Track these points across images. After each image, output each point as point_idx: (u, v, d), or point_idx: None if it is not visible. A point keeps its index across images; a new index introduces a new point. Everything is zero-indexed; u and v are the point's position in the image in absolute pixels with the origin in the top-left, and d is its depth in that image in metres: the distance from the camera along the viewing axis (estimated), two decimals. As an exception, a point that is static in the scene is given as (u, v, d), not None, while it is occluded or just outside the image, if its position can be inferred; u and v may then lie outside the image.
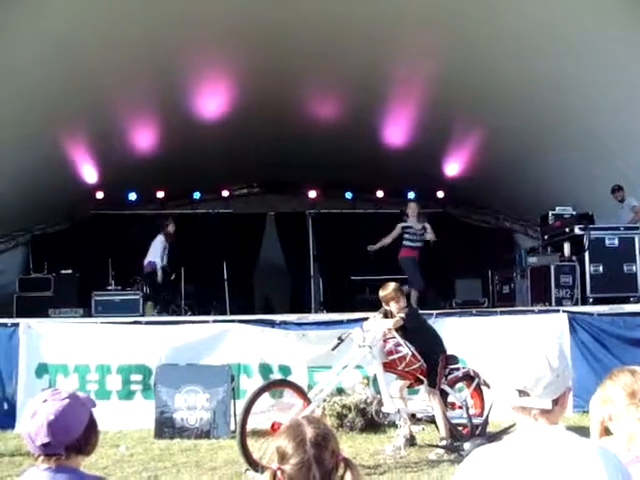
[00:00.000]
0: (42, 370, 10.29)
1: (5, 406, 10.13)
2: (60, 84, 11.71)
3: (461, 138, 14.87)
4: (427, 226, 13.65)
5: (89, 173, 15.63)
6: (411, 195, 18.65)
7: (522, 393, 2.51)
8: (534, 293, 13.75)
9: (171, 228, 14.45)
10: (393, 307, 8.25)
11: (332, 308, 14.52)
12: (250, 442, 7.46)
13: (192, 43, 11.39)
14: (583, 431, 2.79)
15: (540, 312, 11.18)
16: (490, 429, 8.17)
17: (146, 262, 14.27)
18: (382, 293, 8.35)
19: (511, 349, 2.62)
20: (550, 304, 12.56)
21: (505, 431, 7.87)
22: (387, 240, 13.54)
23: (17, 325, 10.45)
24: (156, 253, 14.19)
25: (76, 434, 2.82)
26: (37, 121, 12.41)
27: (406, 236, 13.56)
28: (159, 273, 14.18)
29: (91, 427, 2.90)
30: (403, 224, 13.59)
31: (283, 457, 2.45)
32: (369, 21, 10.95)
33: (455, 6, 10.58)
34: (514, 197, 16.79)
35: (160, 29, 10.90)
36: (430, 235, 13.61)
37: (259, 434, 8.01)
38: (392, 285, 8.41)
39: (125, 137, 14.55)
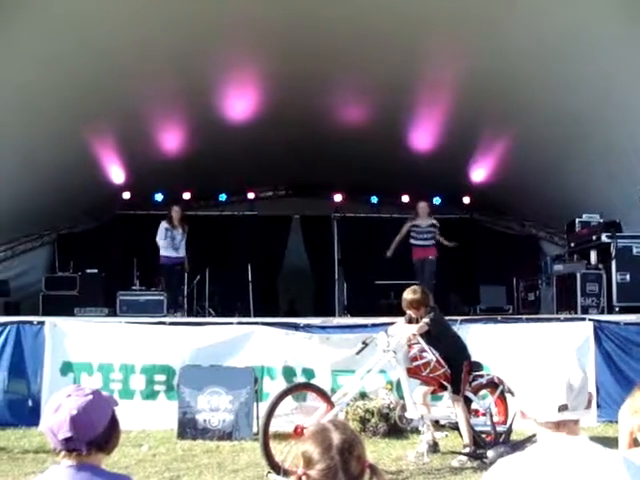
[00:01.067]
0: (67, 368, 10.34)
1: (30, 403, 10.19)
2: (89, 84, 11.76)
3: (488, 144, 14.79)
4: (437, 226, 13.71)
5: (116, 173, 15.71)
6: (437, 200, 18.61)
7: (562, 407, 2.49)
8: (559, 301, 13.66)
9: (174, 213, 14.29)
10: (417, 312, 8.22)
11: (356, 312, 14.50)
12: (272, 445, 7.45)
13: (221, 44, 11.41)
14: (607, 442, 2.76)
15: (566, 320, 11.09)
16: (513, 437, 8.13)
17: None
18: (410, 297, 8.28)
19: (546, 364, 2.58)
20: (576, 312, 12.48)
21: (529, 439, 7.80)
22: (397, 238, 13.52)
23: (43, 323, 10.52)
24: (160, 243, 14.16)
25: (98, 430, 2.83)
26: (66, 121, 12.49)
27: (412, 234, 13.62)
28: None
29: (113, 425, 2.92)
30: (410, 223, 13.63)
31: (309, 462, 2.43)
32: (396, 26, 10.91)
33: (482, 12, 10.52)
34: (540, 204, 16.68)
35: (189, 30, 10.91)
36: (442, 239, 13.72)
37: (282, 437, 8.02)
38: (419, 290, 8.36)
39: (153, 138, 14.59)
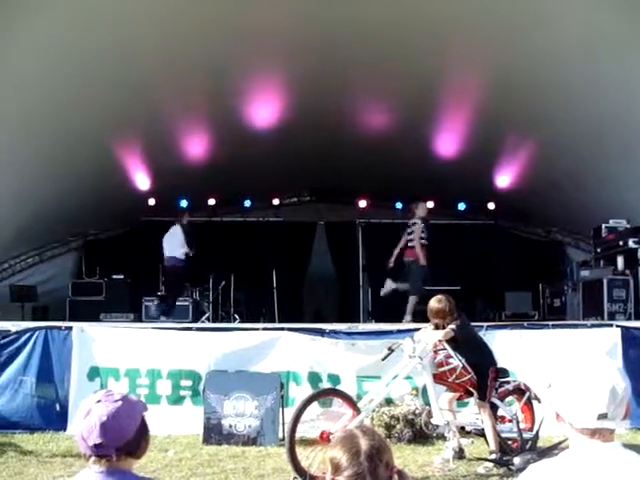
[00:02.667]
0: (94, 373, 10.42)
1: (57, 408, 10.26)
2: (115, 92, 11.85)
3: (513, 149, 14.73)
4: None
5: (142, 180, 15.80)
6: (461, 206, 18.57)
7: (601, 416, 2.48)
8: (586, 307, 13.57)
9: (185, 220, 14.63)
10: (443, 321, 8.19)
11: (381, 318, 14.49)
12: (298, 450, 7.45)
13: (246, 51, 11.44)
14: (636, 449, 2.74)
15: (593, 326, 11.02)
16: (540, 444, 8.09)
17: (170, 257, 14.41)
18: (435, 306, 8.27)
19: (589, 370, 2.57)
20: (602, 318, 12.40)
21: (556, 447, 7.79)
22: (396, 251, 13.44)
23: (70, 329, 10.60)
24: (176, 245, 14.25)
25: (128, 436, 2.84)
26: (93, 129, 12.59)
27: (409, 237, 13.36)
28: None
29: (142, 430, 2.93)
30: (421, 225, 13.37)
31: (337, 469, 2.44)
32: (421, 31, 10.91)
33: (507, 16, 10.49)
34: (566, 209, 16.59)
35: (214, 37, 10.96)
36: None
37: (307, 442, 8.02)
38: (443, 299, 8.32)
39: (178, 145, 14.66)
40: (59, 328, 10.68)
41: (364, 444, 2.45)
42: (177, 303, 14.74)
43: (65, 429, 9.91)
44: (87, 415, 2.84)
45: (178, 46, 11.02)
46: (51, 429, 9.99)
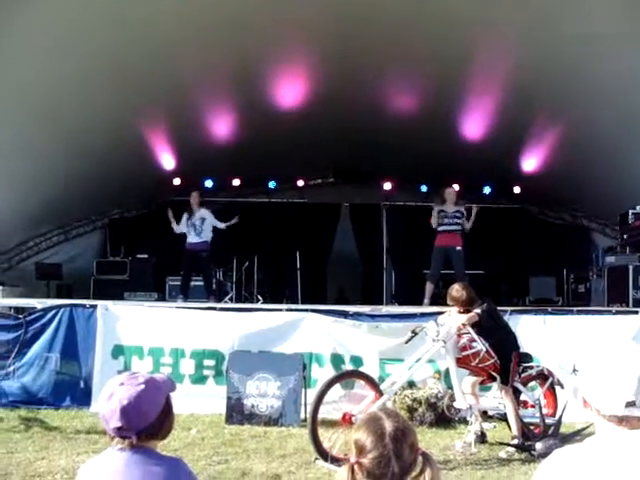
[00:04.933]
0: (118, 351, 10.50)
1: (82, 385, 10.36)
2: (140, 73, 11.89)
3: (539, 132, 14.61)
4: (473, 213, 13.16)
5: (167, 160, 15.84)
6: (487, 190, 18.49)
7: (629, 403, 2.45)
8: (611, 293, 13.47)
9: (191, 199, 14.17)
10: (464, 309, 8.18)
11: (404, 301, 14.48)
12: (320, 432, 7.48)
13: (272, 32, 11.42)
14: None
15: (617, 313, 10.95)
16: (563, 430, 8.06)
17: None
18: (455, 295, 8.25)
19: (617, 356, 2.54)
20: (627, 305, 12.31)
21: (578, 433, 7.77)
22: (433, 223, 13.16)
23: (95, 307, 10.68)
24: (175, 228, 14.09)
25: (149, 420, 2.85)
26: (119, 109, 12.63)
27: (440, 221, 13.10)
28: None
29: (166, 412, 2.93)
30: (437, 207, 13.18)
31: (361, 451, 2.44)
32: (448, 14, 10.84)
33: (539, 5, 10.40)
34: (592, 194, 16.45)
35: (240, 18, 10.95)
36: (467, 224, 13.10)
37: (329, 424, 8.05)
38: (460, 288, 8.29)
39: (203, 125, 14.67)
40: (84, 306, 10.77)
41: (389, 426, 2.45)
42: (193, 283, 14.63)
43: (89, 406, 10.01)
44: (110, 398, 2.85)
45: (203, 24, 11.01)
46: (75, 406, 10.11)
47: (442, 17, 10.93)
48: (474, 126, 14.99)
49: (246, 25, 11.12)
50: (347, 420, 7.32)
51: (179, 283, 14.64)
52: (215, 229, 14.12)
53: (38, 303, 11.04)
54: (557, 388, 8.61)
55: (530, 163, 16.23)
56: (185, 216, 14.08)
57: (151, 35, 11.00)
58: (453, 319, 8.10)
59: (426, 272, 13.52)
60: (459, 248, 12.99)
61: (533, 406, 8.30)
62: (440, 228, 13.07)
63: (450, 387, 8.41)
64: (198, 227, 13.96)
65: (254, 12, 10.82)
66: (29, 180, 13.29)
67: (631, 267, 12.72)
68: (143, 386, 2.87)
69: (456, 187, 13.97)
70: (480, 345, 7.96)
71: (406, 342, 8.14)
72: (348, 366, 10.12)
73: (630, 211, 13.67)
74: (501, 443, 8.09)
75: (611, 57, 11.29)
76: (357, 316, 10.62)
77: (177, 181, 17.33)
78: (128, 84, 12.09)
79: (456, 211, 13.09)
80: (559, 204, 18.90)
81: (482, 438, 8.26)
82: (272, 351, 10.19)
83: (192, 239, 13.98)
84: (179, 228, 13.96)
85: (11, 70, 10.81)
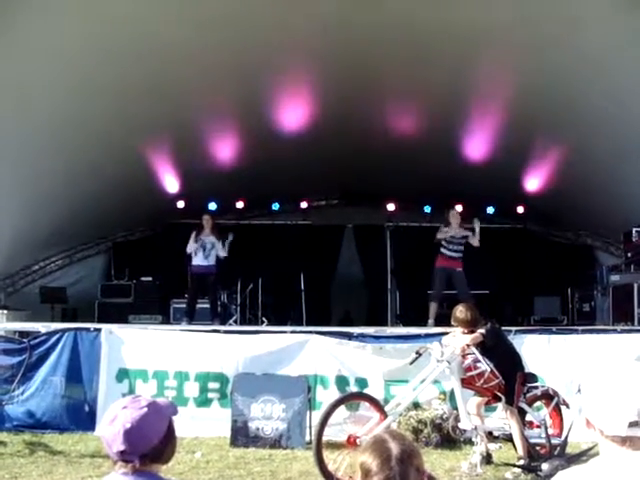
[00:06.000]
0: (122, 375, 10.49)
1: (86, 409, 10.36)
2: (145, 96, 11.93)
3: (541, 153, 14.62)
4: (476, 227, 13.19)
5: (171, 183, 15.87)
6: (490, 210, 18.49)
7: (632, 424, 2.45)
8: (616, 312, 13.47)
9: (204, 222, 14.13)
10: (469, 330, 8.17)
11: (409, 322, 14.46)
12: (325, 454, 7.46)
13: (274, 54, 11.47)
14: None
15: (623, 332, 10.93)
16: (569, 450, 8.03)
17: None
18: (460, 317, 8.25)
19: (619, 376, 2.54)
20: (633, 324, 12.29)
21: (585, 453, 7.72)
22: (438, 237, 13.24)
23: (99, 330, 10.69)
24: (188, 250, 14.03)
25: (152, 443, 2.83)
26: (123, 133, 12.68)
27: (443, 243, 13.21)
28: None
29: (168, 436, 2.91)
30: (445, 230, 13.25)
31: (367, 473, 2.44)
32: (450, 37, 10.88)
33: (538, 22, 10.41)
34: (595, 213, 16.44)
35: (244, 42, 11.00)
36: (475, 240, 13.15)
37: (334, 446, 8.01)
38: (464, 309, 8.29)
39: (207, 148, 14.72)
40: (88, 329, 10.79)
41: (395, 448, 2.45)
42: (198, 306, 14.64)
43: (93, 430, 9.99)
44: (112, 421, 2.84)
45: (207, 48, 11.06)
46: (80, 429, 10.10)
47: (446, 40, 10.96)
48: (477, 147, 15.02)
49: (250, 48, 11.16)
50: (352, 442, 7.31)
51: (184, 306, 14.63)
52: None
53: (42, 327, 11.06)
54: (563, 408, 8.57)
55: (533, 183, 16.24)
56: (194, 234, 14.03)
57: (156, 56, 11.05)
58: (457, 340, 8.09)
59: (431, 293, 13.51)
60: (459, 269, 13.10)
61: (539, 426, 8.26)
62: (445, 252, 13.12)
63: (455, 408, 8.37)
64: (207, 250, 13.96)
65: (258, 35, 10.88)
66: (34, 205, 13.31)
67: (636, 285, 12.72)
68: (146, 409, 2.85)
69: (459, 208, 13.96)
70: (485, 365, 7.94)
71: (410, 363, 8.13)
72: (353, 388, 10.11)
73: (634, 229, 13.68)
74: (507, 464, 8.05)
75: (614, 76, 11.33)
76: (361, 337, 10.61)
77: (181, 204, 17.36)
78: (132, 107, 12.14)
79: (462, 237, 13.18)
80: (563, 223, 18.89)
81: (488, 459, 8.22)
82: (277, 373, 10.17)
83: (199, 261, 13.97)
84: (190, 247, 13.95)
85: (18, 95, 10.87)
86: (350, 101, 12.96)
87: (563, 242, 19.22)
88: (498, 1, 10.35)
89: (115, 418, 2.84)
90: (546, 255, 18.31)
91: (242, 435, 9.53)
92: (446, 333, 8.69)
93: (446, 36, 10.89)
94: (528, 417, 8.37)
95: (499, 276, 17.48)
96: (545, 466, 7.55)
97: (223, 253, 14.05)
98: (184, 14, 10.24)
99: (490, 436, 8.32)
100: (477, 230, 13.16)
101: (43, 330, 10.88)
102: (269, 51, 11.34)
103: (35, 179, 12.80)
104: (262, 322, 15.58)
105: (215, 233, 14.15)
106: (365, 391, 9.57)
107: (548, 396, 8.58)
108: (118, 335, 10.69)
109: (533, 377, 8.45)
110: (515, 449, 8.03)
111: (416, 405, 9.61)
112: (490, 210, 18.49)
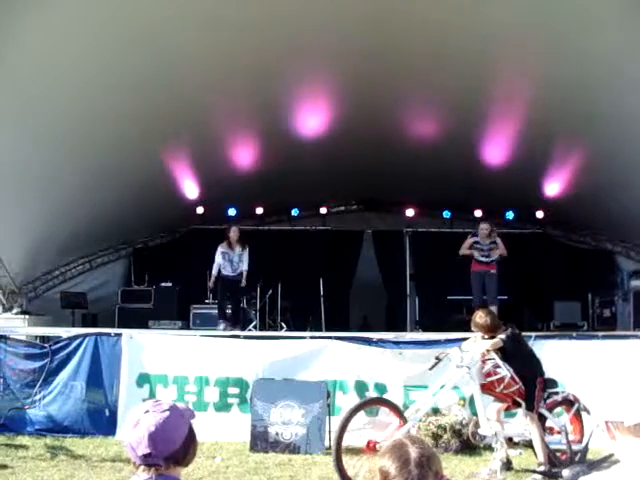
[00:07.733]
0: (143, 380, 10.55)
1: (107, 413, 10.42)
2: (163, 100, 11.98)
3: (561, 157, 14.55)
4: (498, 241, 13.66)
5: (191, 189, 15.92)
6: (509, 215, 18.42)
7: None
8: (637, 317, 13.39)
9: (232, 233, 14.21)
10: (489, 335, 8.15)
11: (428, 327, 14.43)
12: (345, 459, 7.47)
13: (294, 60, 11.51)
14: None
15: (644, 337, 10.87)
16: (590, 456, 7.98)
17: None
18: (480, 322, 8.23)
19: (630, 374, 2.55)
20: (654, 329, 12.23)
21: (606, 459, 7.67)
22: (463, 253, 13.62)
23: (120, 335, 10.76)
24: (216, 263, 14.14)
25: (175, 445, 2.85)
26: (144, 139, 12.75)
27: (475, 251, 13.59)
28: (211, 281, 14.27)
29: (190, 439, 2.93)
30: (474, 238, 13.68)
31: (386, 477, 2.45)
32: (468, 41, 10.87)
33: (557, 23, 10.40)
34: (616, 218, 16.34)
35: (263, 46, 11.02)
36: (500, 250, 13.55)
37: (354, 451, 8.03)
38: (484, 314, 8.27)
39: (226, 154, 14.74)
40: (109, 334, 10.86)
41: (414, 452, 2.45)
42: (208, 311, 14.71)
43: (114, 434, 10.06)
44: (136, 426, 2.86)
45: (227, 54, 11.11)
46: (100, 434, 10.17)
47: (465, 44, 10.95)
48: (495, 152, 14.96)
49: (270, 53, 11.20)
50: (371, 447, 7.32)
51: (204, 311, 14.72)
52: None
53: (64, 332, 11.15)
54: (583, 414, 8.53)
55: (552, 187, 16.15)
56: (220, 250, 14.14)
57: (176, 63, 11.10)
58: (477, 345, 8.08)
59: (450, 298, 13.59)
60: (493, 271, 13.48)
61: (559, 432, 8.23)
62: (479, 258, 13.58)
63: (475, 414, 8.38)
64: (235, 264, 14.12)
65: (277, 42, 10.91)
66: (55, 211, 13.40)
67: (657, 291, 12.64)
68: (168, 413, 2.88)
69: (486, 226, 14.06)
70: (505, 371, 7.93)
71: (430, 369, 8.13)
72: (372, 393, 10.12)
73: (655, 234, 13.60)
74: (527, 470, 8.04)
75: (634, 77, 11.27)
76: (381, 343, 10.62)
77: (200, 209, 17.41)
78: (151, 114, 12.19)
79: (491, 242, 13.53)
80: (582, 228, 18.79)
81: (508, 465, 8.20)
82: (296, 379, 10.20)
83: (228, 272, 14.12)
84: (216, 266, 14.12)
85: (39, 104, 10.95)
86: (369, 107, 12.96)
87: (583, 247, 19.10)
88: (517, 5, 10.33)
89: (138, 422, 2.86)
90: (566, 260, 18.20)
91: (262, 440, 9.55)
92: (466, 338, 8.67)
93: (465, 40, 10.88)
94: (548, 423, 8.35)
95: (519, 281, 17.38)
96: (566, 472, 7.50)
97: (245, 266, 14.18)
98: (205, 18, 10.28)
99: (510, 442, 8.30)
100: (499, 242, 13.65)
101: (64, 335, 10.96)
102: (289, 57, 11.37)
103: (56, 185, 12.89)
104: (281, 327, 15.61)
105: (241, 243, 14.25)
106: (384, 396, 9.56)
107: (569, 402, 8.54)
108: (139, 340, 10.76)
109: (553, 383, 8.43)
110: (535, 455, 8.00)
111: (436, 411, 9.61)
112: (509, 215, 18.40)
